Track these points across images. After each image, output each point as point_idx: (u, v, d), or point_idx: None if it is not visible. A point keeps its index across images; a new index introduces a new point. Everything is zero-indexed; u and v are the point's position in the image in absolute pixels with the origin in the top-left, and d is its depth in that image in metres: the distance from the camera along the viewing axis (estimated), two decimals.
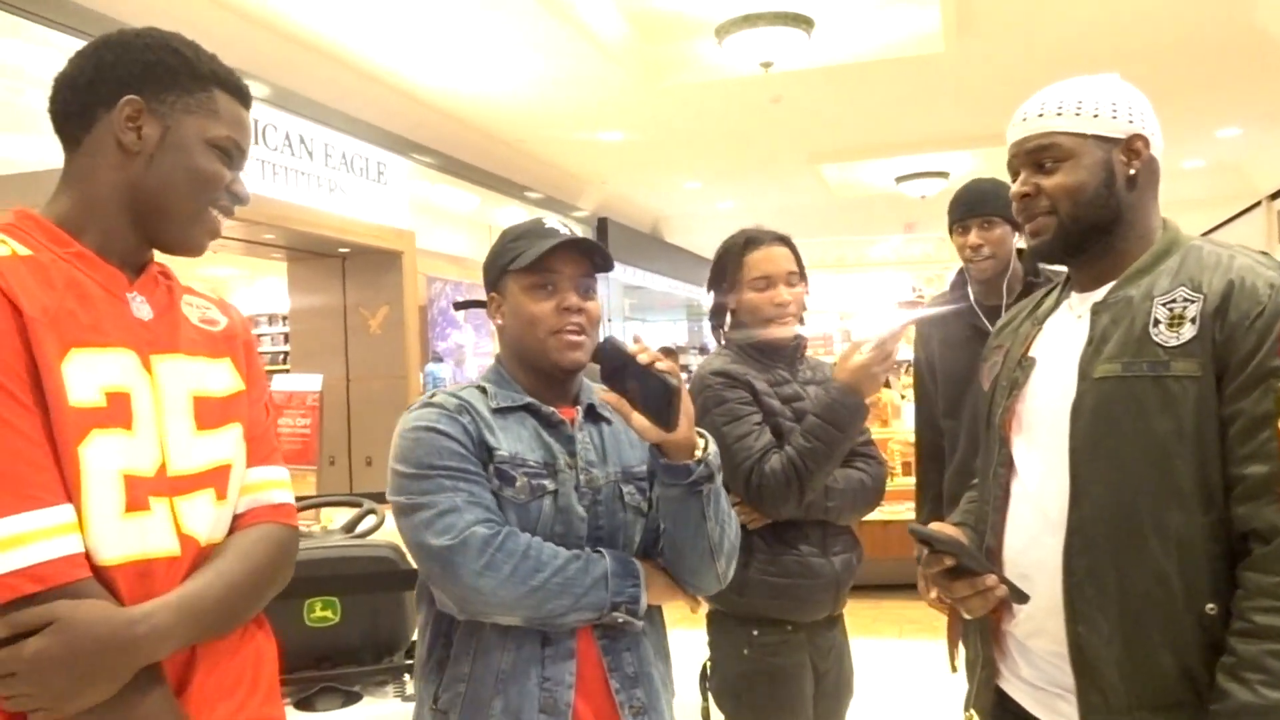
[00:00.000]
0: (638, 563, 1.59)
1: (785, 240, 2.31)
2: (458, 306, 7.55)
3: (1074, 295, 1.58)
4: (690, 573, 1.62)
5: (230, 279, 14.32)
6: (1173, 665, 1.37)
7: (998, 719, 1.61)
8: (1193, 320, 1.38)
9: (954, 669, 1.84)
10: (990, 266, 2.62)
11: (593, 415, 1.69)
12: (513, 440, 1.60)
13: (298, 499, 1.45)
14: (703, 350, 14.47)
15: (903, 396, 6.60)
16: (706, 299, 2.45)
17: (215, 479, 1.26)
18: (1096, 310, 1.49)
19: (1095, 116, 1.48)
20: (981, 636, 1.62)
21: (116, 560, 1.14)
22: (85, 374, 1.15)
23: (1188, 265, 1.44)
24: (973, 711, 1.66)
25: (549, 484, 1.59)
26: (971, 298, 2.68)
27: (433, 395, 1.65)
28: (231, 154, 1.30)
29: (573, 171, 11.16)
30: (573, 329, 1.61)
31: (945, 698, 2.32)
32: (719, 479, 1.58)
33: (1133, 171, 1.49)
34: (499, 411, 1.62)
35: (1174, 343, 1.38)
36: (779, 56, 6.75)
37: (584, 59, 7.18)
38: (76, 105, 1.25)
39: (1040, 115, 1.51)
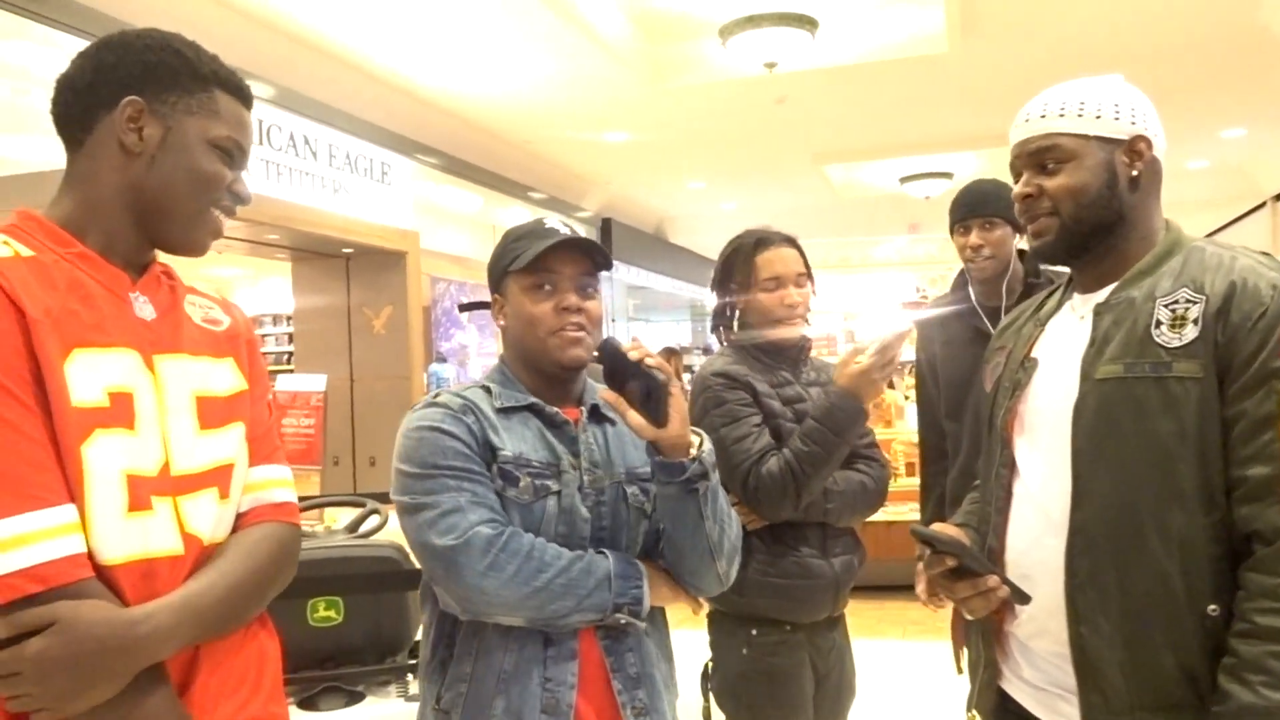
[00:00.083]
0: (640, 564, 1.59)
1: (793, 241, 2.31)
2: (463, 309, 7.55)
3: (1076, 296, 1.58)
4: (691, 573, 1.62)
5: (234, 279, 14.33)
6: (1174, 666, 1.37)
7: None
8: (1195, 321, 1.38)
9: (960, 670, 1.85)
10: (990, 267, 2.61)
11: (597, 416, 1.69)
12: (517, 440, 1.60)
13: (301, 499, 1.45)
14: (706, 351, 14.47)
15: (906, 398, 6.59)
16: (710, 299, 2.45)
17: (218, 478, 1.27)
18: (1099, 311, 1.49)
19: (1098, 118, 1.48)
20: (983, 637, 1.62)
21: (119, 560, 1.15)
22: (88, 374, 1.15)
23: (1190, 266, 1.44)
24: (975, 712, 1.66)
25: (553, 484, 1.59)
26: (973, 299, 2.68)
27: (437, 395, 1.65)
28: (233, 154, 1.31)
29: (577, 172, 11.17)
30: (572, 328, 1.61)
31: (947, 699, 2.32)
32: (715, 477, 1.58)
33: (1135, 173, 1.49)
34: (503, 412, 1.62)
35: (1176, 344, 1.38)
36: (783, 57, 6.75)
37: (588, 60, 7.18)
38: (78, 106, 1.25)
39: (1043, 116, 1.51)
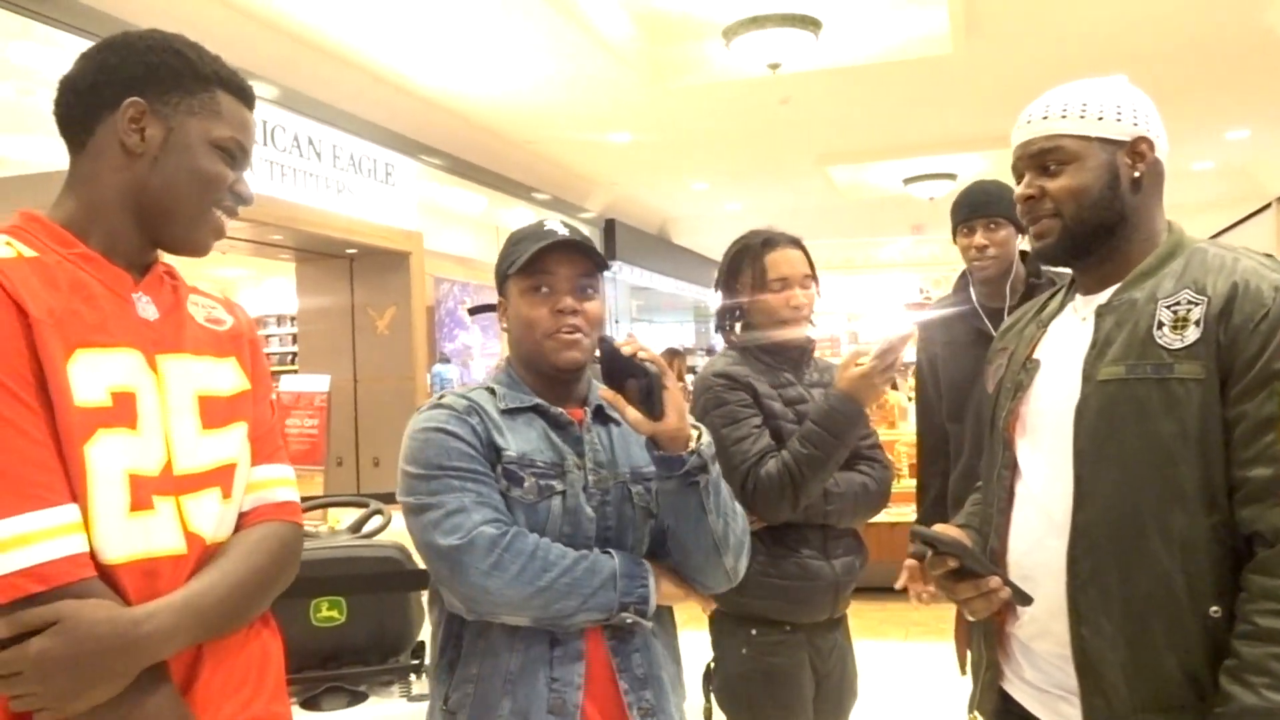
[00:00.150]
0: (646, 563, 1.59)
1: (799, 243, 2.31)
2: (473, 312, 7.58)
3: (1078, 298, 1.58)
4: (698, 570, 1.62)
5: (238, 279, 14.36)
6: (1176, 668, 1.37)
7: None
8: (1197, 323, 1.38)
9: (963, 672, 1.85)
10: (994, 267, 2.62)
11: (601, 416, 1.69)
12: (521, 441, 1.60)
13: (304, 499, 1.45)
14: (710, 352, 14.48)
15: (909, 398, 6.59)
16: (714, 300, 2.45)
17: (221, 478, 1.27)
18: (1101, 313, 1.49)
19: (1100, 119, 1.48)
20: (985, 638, 1.62)
21: (122, 559, 1.15)
22: (91, 374, 1.15)
23: (1192, 268, 1.44)
24: (976, 713, 1.66)
25: (557, 484, 1.59)
26: (974, 300, 2.68)
27: (442, 396, 1.66)
28: (235, 154, 1.31)
29: (580, 173, 11.17)
30: (568, 330, 1.61)
31: (950, 700, 2.32)
32: (715, 470, 1.58)
33: (1137, 174, 1.49)
34: (507, 413, 1.63)
35: (1178, 345, 1.38)
36: (787, 58, 6.75)
37: (592, 60, 7.19)
38: (80, 108, 1.25)
39: (1045, 118, 1.51)
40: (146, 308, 1.26)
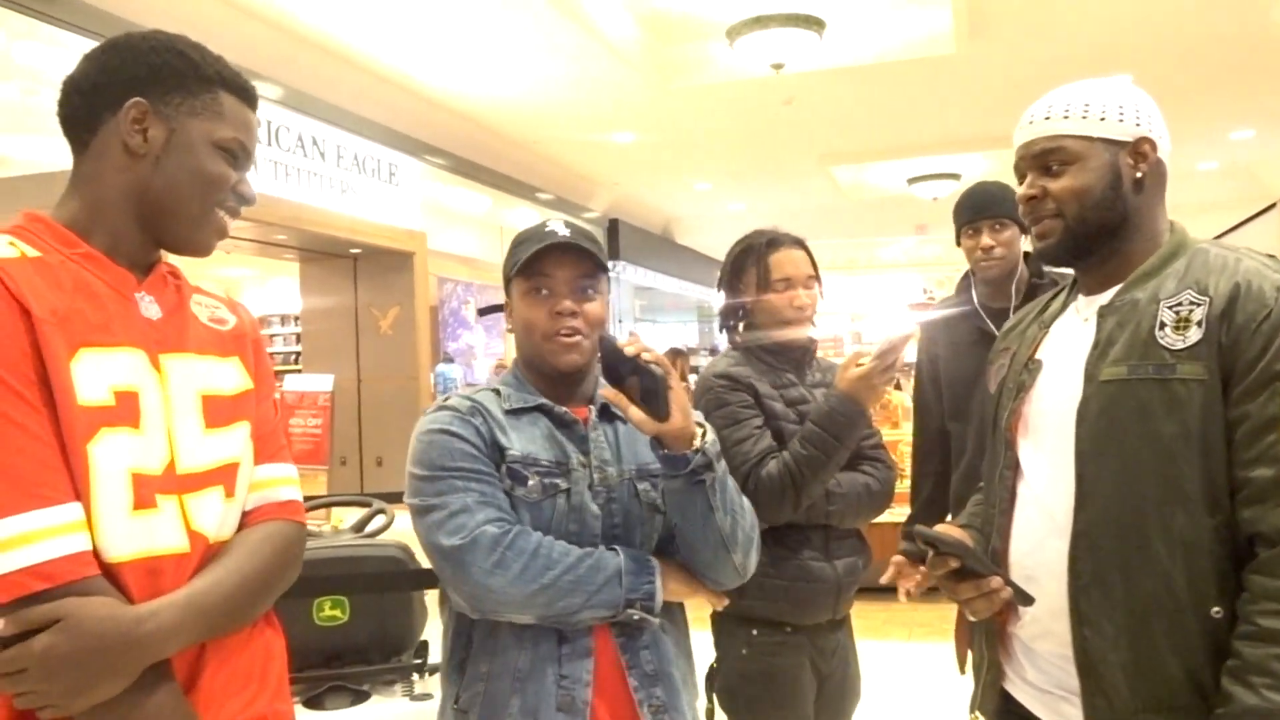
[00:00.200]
0: (653, 559, 1.59)
1: (802, 243, 2.31)
2: (481, 313, 7.59)
3: (1080, 298, 1.58)
4: (706, 566, 1.61)
5: (243, 279, 14.39)
6: (1178, 668, 1.37)
7: None
8: (1199, 323, 1.38)
9: (962, 671, 1.85)
10: (1000, 268, 2.62)
11: (607, 414, 1.69)
12: (525, 440, 1.61)
13: (307, 499, 1.46)
14: (713, 352, 14.48)
15: (913, 399, 6.59)
16: (717, 300, 2.45)
17: (224, 476, 1.28)
18: (1103, 313, 1.49)
19: (1102, 119, 1.48)
20: (987, 639, 1.62)
21: (125, 558, 1.15)
22: (94, 373, 1.16)
23: (1194, 268, 1.44)
24: (978, 713, 1.66)
25: (561, 483, 1.59)
26: (976, 301, 2.69)
27: (448, 398, 1.67)
28: (237, 155, 1.31)
29: (584, 173, 11.18)
30: (566, 332, 1.61)
31: (953, 700, 2.32)
32: (720, 468, 1.58)
33: (1140, 174, 1.49)
34: (512, 413, 1.64)
35: (1180, 345, 1.38)
36: (790, 58, 6.75)
37: (595, 61, 7.19)
38: (83, 108, 1.26)
39: (1047, 118, 1.51)
40: (150, 307, 1.26)
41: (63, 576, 1.09)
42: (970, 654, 1.72)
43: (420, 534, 1.58)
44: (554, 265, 1.63)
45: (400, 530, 2.33)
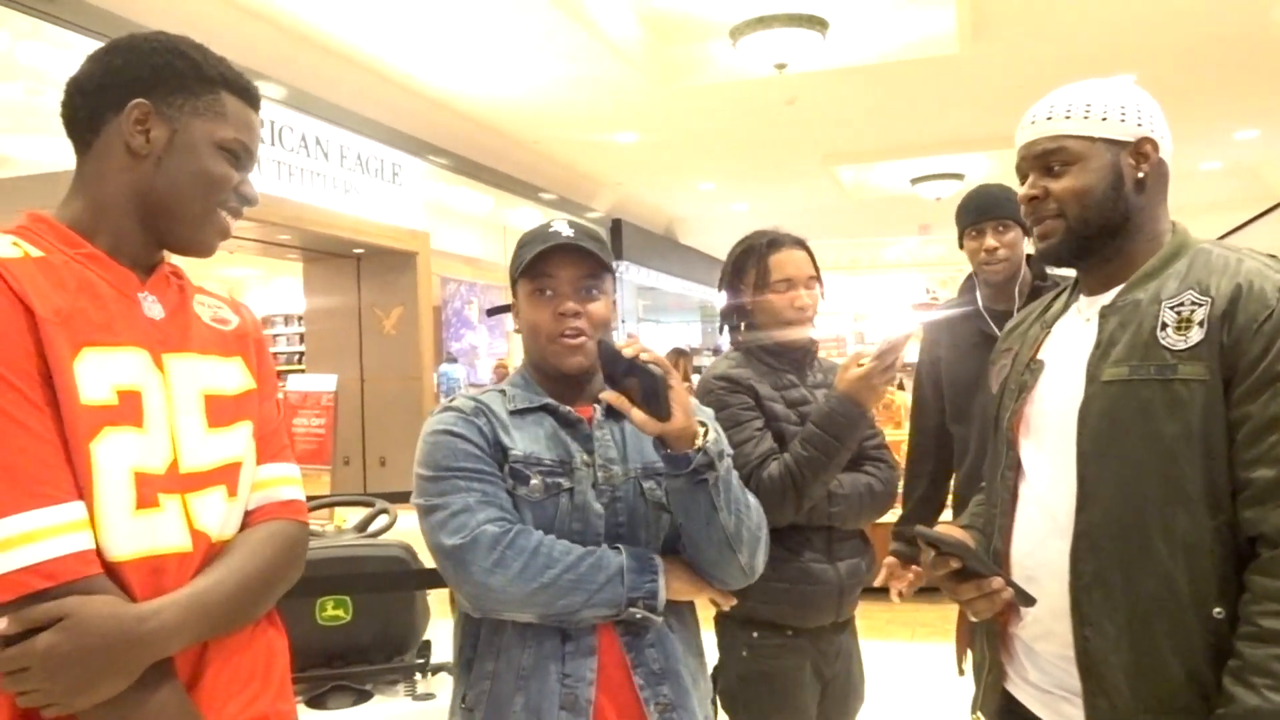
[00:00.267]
0: (657, 558, 1.58)
1: (803, 244, 2.31)
2: (490, 313, 7.62)
3: (1082, 299, 1.58)
4: (712, 565, 1.61)
5: (246, 279, 14.41)
6: (1179, 669, 1.36)
7: None
8: (1200, 324, 1.38)
9: (961, 672, 1.85)
10: (1004, 269, 2.62)
11: (613, 413, 1.68)
12: (528, 440, 1.61)
13: (311, 498, 1.46)
14: (716, 352, 14.48)
15: (911, 399, 6.59)
16: (719, 300, 2.44)
17: (226, 476, 1.28)
18: (1104, 314, 1.49)
19: (1104, 119, 1.48)
20: (988, 639, 1.62)
21: (128, 556, 1.16)
22: (97, 373, 1.16)
23: (1196, 268, 1.44)
24: (979, 714, 1.66)
25: (564, 482, 1.60)
26: (979, 302, 2.69)
27: (453, 399, 1.68)
28: (239, 156, 1.32)
29: (587, 173, 11.19)
30: (569, 333, 1.62)
31: (954, 700, 2.32)
32: (723, 466, 1.57)
33: (1141, 175, 1.49)
34: (516, 413, 1.64)
35: (1181, 346, 1.38)
36: (793, 58, 6.75)
37: (598, 61, 7.19)
38: (86, 109, 1.26)
39: (1049, 118, 1.51)
40: (152, 307, 1.26)
41: (65, 575, 1.09)
42: (971, 654, 1.72)
43: (424, 534, 1.59)
44: (557, 266, 1.63)
45: (403, 530, 2.34)
